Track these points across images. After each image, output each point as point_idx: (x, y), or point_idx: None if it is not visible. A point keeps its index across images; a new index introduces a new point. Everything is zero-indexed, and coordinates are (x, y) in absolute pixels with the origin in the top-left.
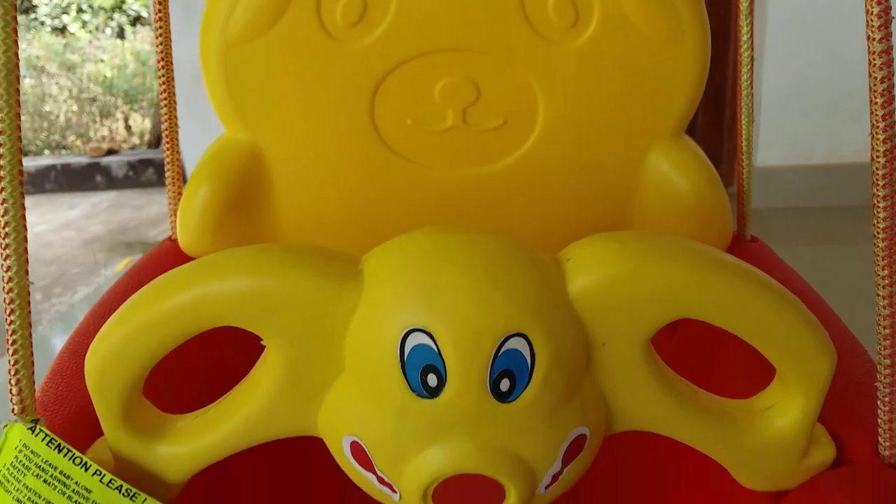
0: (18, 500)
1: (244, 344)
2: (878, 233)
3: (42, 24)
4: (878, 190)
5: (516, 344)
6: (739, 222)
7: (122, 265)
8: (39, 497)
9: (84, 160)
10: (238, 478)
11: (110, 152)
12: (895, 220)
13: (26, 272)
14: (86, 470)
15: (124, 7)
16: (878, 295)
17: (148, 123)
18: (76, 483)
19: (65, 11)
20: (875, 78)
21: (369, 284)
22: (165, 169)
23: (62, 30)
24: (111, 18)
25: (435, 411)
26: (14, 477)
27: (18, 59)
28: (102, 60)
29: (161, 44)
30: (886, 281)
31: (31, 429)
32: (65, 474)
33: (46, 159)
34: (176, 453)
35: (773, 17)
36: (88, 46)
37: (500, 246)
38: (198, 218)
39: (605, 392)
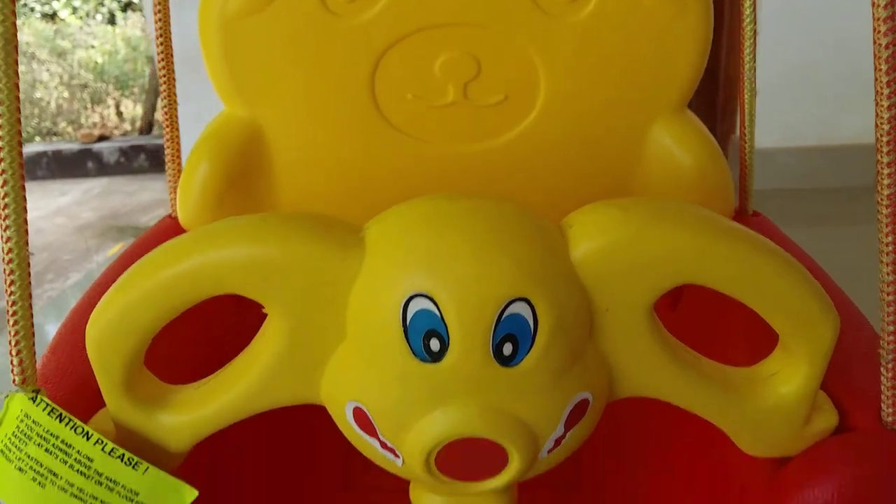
0: (20, 469)
1: (245, 316)
2: (881, 199)
3: (32, 10)
4: (882, 157)
5: (519, 308)
6: (741, 197)
7: (114, 250)
8: (41, 466)
9: (75, 147)
10: (240, 447)
11: (101, 139)
12: None
13: (26, 243)
14: (87, 439)
15: None
16: (882, 262)
17: (139, 110)
18: (78, 452)
19: None
20: (880, 45)
21: (371, 251)
22: (165, 145)
23: (52, 16)
24: (102, 4)
25: (438, 376)
26: (15, 446)
27: (16, 33)
28: (93, 46)
29: (160, 20)
30: (890, 248)
31: (32, 399)
32: (66, 443)
33: (37, 146)
34: (178, 422)
35: (766, 6)
36: (79, 32)
37: (502, 212)
38: (198, 194)
39: (607, 358)
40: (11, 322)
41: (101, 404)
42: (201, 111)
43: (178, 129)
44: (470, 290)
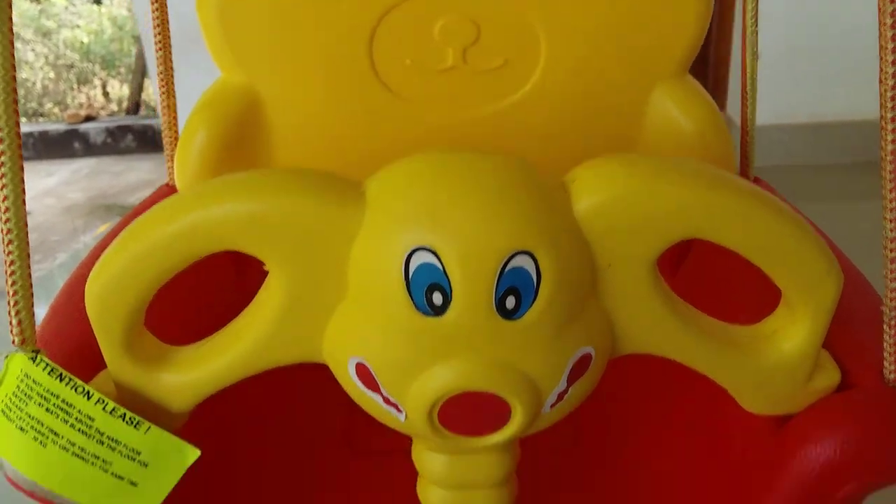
0: (21, 429)
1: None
2: (885, 155)
3: None
4: (885, 112)
5: (522, 262)
6: (743, 163)
7: (101, 229)
8: (42, 425)
9: (62, 127)
10: (242, 408)
11: (88, 119)
12: None
13: (23, 202)
14: (88, 398)
15: None
16: (886, 218)
17: (126, 90)
18: (79, 412)
19: None
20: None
21: (372, 205)
22: (161, 113)
23: None
24: None
25: (440, 330)
26: (16, 406)
27: (11, 16)
28: (79, 26)
29: None
30: (894, 204)
31: (32, 359)
32: (67, 403)
33: (23, 127)
34: (179, 382)
35: None
36: (64, 12)
37: (504, 165)
38: (195, 161)
39: (610, 313)
40: (10, 282)
41: (100, 368)
42: (190, 93)
43: (174, 97)
44: (472, 242)
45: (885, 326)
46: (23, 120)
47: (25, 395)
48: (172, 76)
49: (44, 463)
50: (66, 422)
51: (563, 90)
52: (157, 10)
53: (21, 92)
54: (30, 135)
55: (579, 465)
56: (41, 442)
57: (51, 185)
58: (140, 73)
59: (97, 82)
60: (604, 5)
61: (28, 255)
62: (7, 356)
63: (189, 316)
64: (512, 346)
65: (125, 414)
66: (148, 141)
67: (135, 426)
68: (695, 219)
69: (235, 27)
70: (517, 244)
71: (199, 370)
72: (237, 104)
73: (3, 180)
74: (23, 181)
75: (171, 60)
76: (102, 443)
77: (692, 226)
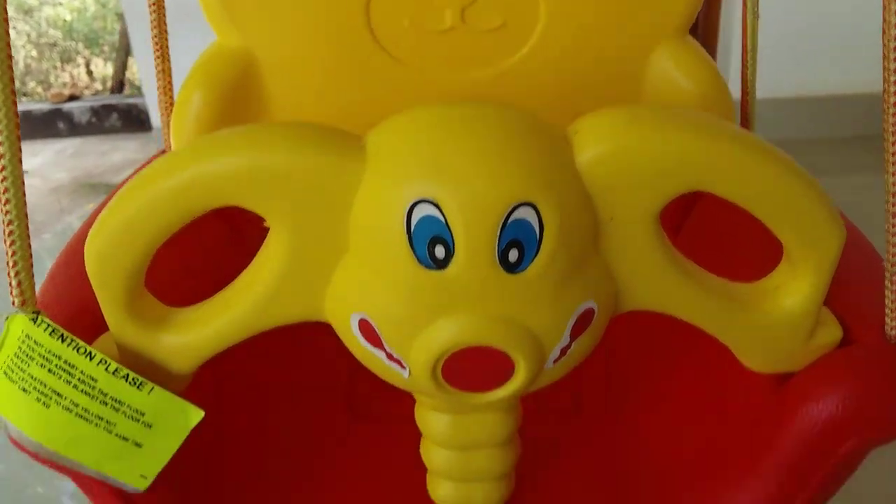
0: (24, 390)
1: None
2: (888, 108)
3: None
4: (888, 63)
5: (524, 214)
6: (743, 125)
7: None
8: (45, 386)
9: (45, 107)
10: (244, 368)
11: (72, 98)
12: None
13: (20, 160)
14: (90, 359)
15: None
16: (888, 172)
17: (110, 68)
18: (81, 372)
19: None
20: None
21: (373, 158)
22: (156, 78)
23: None
24: None
25: (443, 283)
26: (18, 367)
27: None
28: (61, 3)
29: None
30: (894, 157)
31: (32, 319)
32: (69, 363)
33: None
34: (181, 342)
35: None
36: None
37: (506, 116)
38: (192, 125)
39: (612, 268)
40: (8, 243)
41: (101, 331)
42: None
43: (168, 61)
44: (475, 194)
45: (886, 283)
46: None
47: (27, 356)
48: (167, 39)
49: (47, 424)
50: (69, 383)
51: (563, 51)
52: None
53: None
54: None
55: (580, 429)
56: (44, 403)
57: (35, 166)
58: (124, 51)
59: (80, 61)
60: None
61: (26, 216)
62: (7, 317)
63: (185, 280)
64: (515, 300)
65: (128, 375)
66: (133, 120)
67: (138, 387)
68: (698, 170)
69: None
70: (520, 196)
71: (200, 331)
72: (233, 67)
73: (0, 137)
74: (19, 139)
75: (164, 23)
76: (106, 403)
77: (695, 177)
